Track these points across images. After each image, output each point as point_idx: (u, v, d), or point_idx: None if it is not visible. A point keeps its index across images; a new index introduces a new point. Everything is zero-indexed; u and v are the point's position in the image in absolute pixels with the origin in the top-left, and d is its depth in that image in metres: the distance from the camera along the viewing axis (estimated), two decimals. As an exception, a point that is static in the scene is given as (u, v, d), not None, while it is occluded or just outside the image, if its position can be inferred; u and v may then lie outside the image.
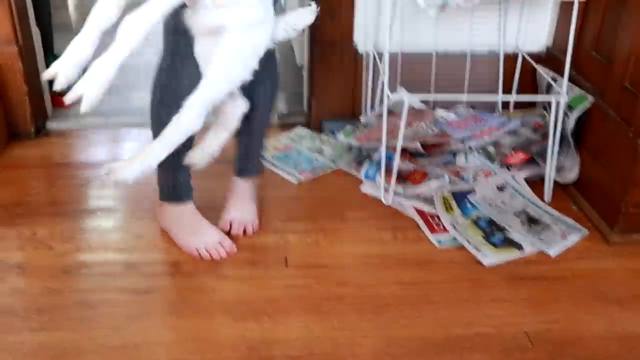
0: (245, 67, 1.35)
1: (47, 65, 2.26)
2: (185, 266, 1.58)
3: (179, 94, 1.37)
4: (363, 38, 2.15)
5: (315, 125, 2.24)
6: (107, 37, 1.21)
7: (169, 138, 1.33)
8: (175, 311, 1.45)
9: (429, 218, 1.77)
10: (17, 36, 2.05)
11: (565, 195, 1.89)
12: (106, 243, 1.68)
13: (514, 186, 1.88)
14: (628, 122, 1.67)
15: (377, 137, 1.93)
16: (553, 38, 2.16)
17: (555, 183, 1.88)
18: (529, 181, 1.92)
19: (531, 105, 2.09)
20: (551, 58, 2.13)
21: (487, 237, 1.69)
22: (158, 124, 1.45)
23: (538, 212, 1.79)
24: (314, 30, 2.15)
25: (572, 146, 1.87)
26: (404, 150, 1.88)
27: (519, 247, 1.66)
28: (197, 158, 1.50)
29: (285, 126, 2.27)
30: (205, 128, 1.41)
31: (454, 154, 1.96)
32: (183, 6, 1.29)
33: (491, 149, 1.95)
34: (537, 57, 2.13)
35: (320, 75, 2.20)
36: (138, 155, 1.33)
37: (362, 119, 2.17)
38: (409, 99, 1.75)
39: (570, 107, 1.86)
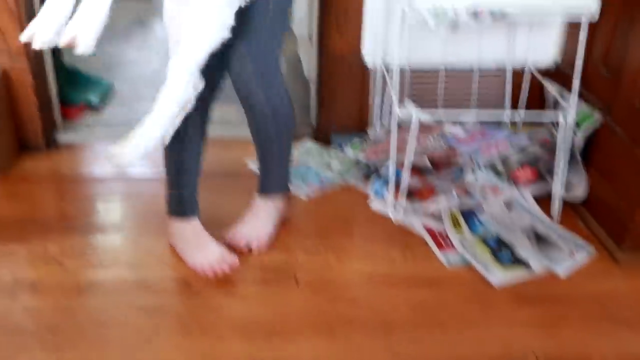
0: (220, 21, 1.30)
1: (57, 78, 2.27)
2: (195, 284, 1.59)
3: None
4: (371, 52, 2.16)
5: (323, 138, 2.25)
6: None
7: (163, 112, 1.29)
8: (186, 330, 1.46)
9: (438, 235, 1.77)
10: (28, 50, 2.06)
11: (572, 213, 1.90)
12: (117, 259, 1.69)
13: (521, 203, 1.88)
14: (636, 141, 1.68)
15: (385, 152, 1.93)
16: (562, 53, 2.17)
17: (563, 200, 1.89)
18: (537, 198, 1.93)
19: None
20: (560, 73, 2.13)
21: (495, 255, 1.69)
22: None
23: (546, 229, 1.80)
24: (323, 43, 2.16)
25: (579, 163, 1.88)
26: (412, 166, 1.89)
27: (527, 265, 1.66)
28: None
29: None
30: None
31: (462, 170, 1.97)
32: None
33: (499, 166, 1.96)
34: (546, 72, 2.14)
35: (328, 89, 2.21)
36: (135, 135, 1.29)
37: (370, 133, 2.18)
38: (417, 116, 1.76)
39: (578, 124, 1.86)
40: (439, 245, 1.74)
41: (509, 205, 1.88)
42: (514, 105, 2.17)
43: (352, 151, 2.10)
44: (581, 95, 1.90)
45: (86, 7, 1.13)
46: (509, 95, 2.17)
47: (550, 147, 1.96)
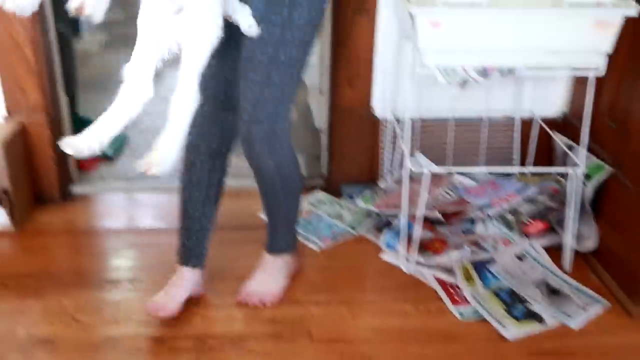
0: (214, 22, 1.33)
1: (73, 128, 2.31)
2: (210, 340, 1.60)
3: None
4: (381, 104, 2.19)
5: (334, 189, 2.27)
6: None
7: (179, 119, 1.33)
8: (202, 389, 1.46)
9: (450, 288, 1.78)
10: (46, 105, 2.11)
11: (584, 264, 1.90)
12: (131, 315, 1.69)
13: (533, 255, 1.89)
14: (646, 195, 1.69)
15: (397, 204, 1.95)
16: (569, 104, 2.20)
17: (574, 251, 1.90)
18: (548, 249, 1.94)
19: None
20: (567, 124, 2.16)
21: (509, 310, 1.70)
22: None
23: (558, 282, 1.81)
24: (334, 96, 2.20)
25: (590, 215, 1.89)
26: (424, 219, 1.90)
27: (540, 319, 1.66)
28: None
29: (304, 189, 2.30)
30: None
31: (473, 221, 1.99)
32: None
33: (510, 217, 1.97)
34: (554, 122, 2.16)
35: (339, 140, 2.24)
36: (158, 147, 1.32)
37: (382, 184, 2.20)
38: (429, 169, 1.78)
39: (588, 176, 1.88)
40: (452, 299, 1.74)
41: (520, 257, 1.89)
42: (523, 153, 2.20)
43: (363, 203, 2.12)
44: (589, 147, 1.92)
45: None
46: (518, 145, 2.20)
47: (559, 198, 1.98)
